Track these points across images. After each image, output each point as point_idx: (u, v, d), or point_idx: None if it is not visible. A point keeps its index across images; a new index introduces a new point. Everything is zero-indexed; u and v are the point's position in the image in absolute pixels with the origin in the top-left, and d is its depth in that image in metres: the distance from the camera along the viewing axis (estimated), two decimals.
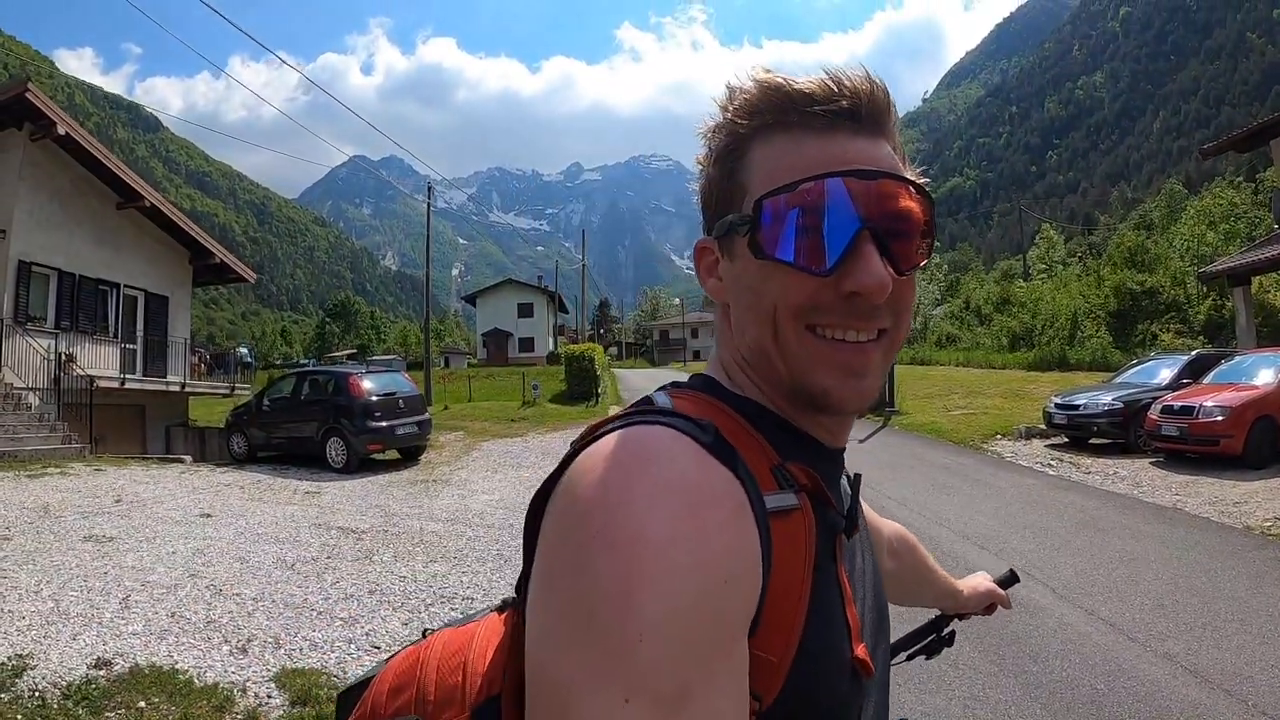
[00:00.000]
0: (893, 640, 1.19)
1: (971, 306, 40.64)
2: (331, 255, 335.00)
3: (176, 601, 5.47)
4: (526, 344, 64.03)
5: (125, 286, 18.56)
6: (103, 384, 15.74)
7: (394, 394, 14.22)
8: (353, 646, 4.79)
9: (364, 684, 0.85)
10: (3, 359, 14.77)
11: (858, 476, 0.81)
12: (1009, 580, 1.36)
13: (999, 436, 14.39)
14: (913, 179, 0.67)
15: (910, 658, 1.26)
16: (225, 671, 4.30)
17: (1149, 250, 32.83)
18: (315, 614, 5.37)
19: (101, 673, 4.18)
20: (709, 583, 0.51)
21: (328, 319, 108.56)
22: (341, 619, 5.30)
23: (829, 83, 0.65)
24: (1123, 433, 12.38)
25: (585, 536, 0.52)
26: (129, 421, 18.04)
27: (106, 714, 3.74)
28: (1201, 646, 4.41)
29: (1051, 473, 11.14)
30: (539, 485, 0.62)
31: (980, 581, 1.33)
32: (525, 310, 66.54)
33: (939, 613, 1.30)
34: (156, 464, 13.10)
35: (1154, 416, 11.37)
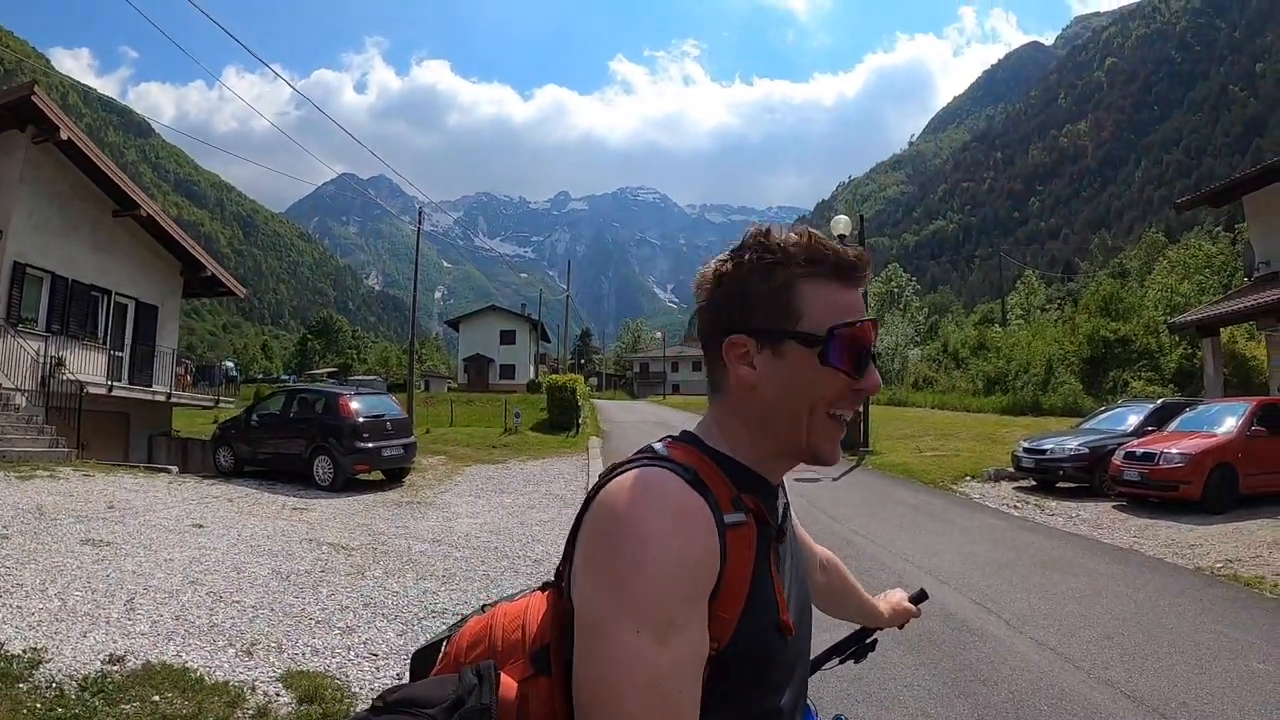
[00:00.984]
0: (825, 648, 1.59)
1: (949, 350, 41.30)
2: (316, 272, 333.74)
3: (179, 606, 5.72)
4: (508, 371, 64.34)
5: (117, 294, 18.71)
6: (90, 390, 15.87)
7: (382, 416, 14.49)
8: (352, 654, 5.06)
9: (435, 645, 1.16)
10: None
11: (788, 504, 1.17)
12: (920, 597, 1.72)
13: (968, 478, 14.81)
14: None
15: (841, 661, 1.62)
16: (233, 671, 4.56)
17: (1123, 299, 33.65)
18: (314, 622, 5.64)
19: (115, 668, 4.43)
20: (686, 563, 0.86)
21: (310, 336, 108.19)
22: (339, 628, 5.57)
23: (855, 258, 1.03)
24: (1088, 477, 12.83)
25: (615, 533, 0.88)
26: (113, 429, 18.13)
27: (122, 706, 3.98)
28: (1142, 675, 4.78)
29: (1016, 514, 11.55)
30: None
31: (898, 599, 1.69)
32: (508, 337, 66.93)
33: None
34: (144, 473, 13.25)
35: (1117, 462, 11.83)
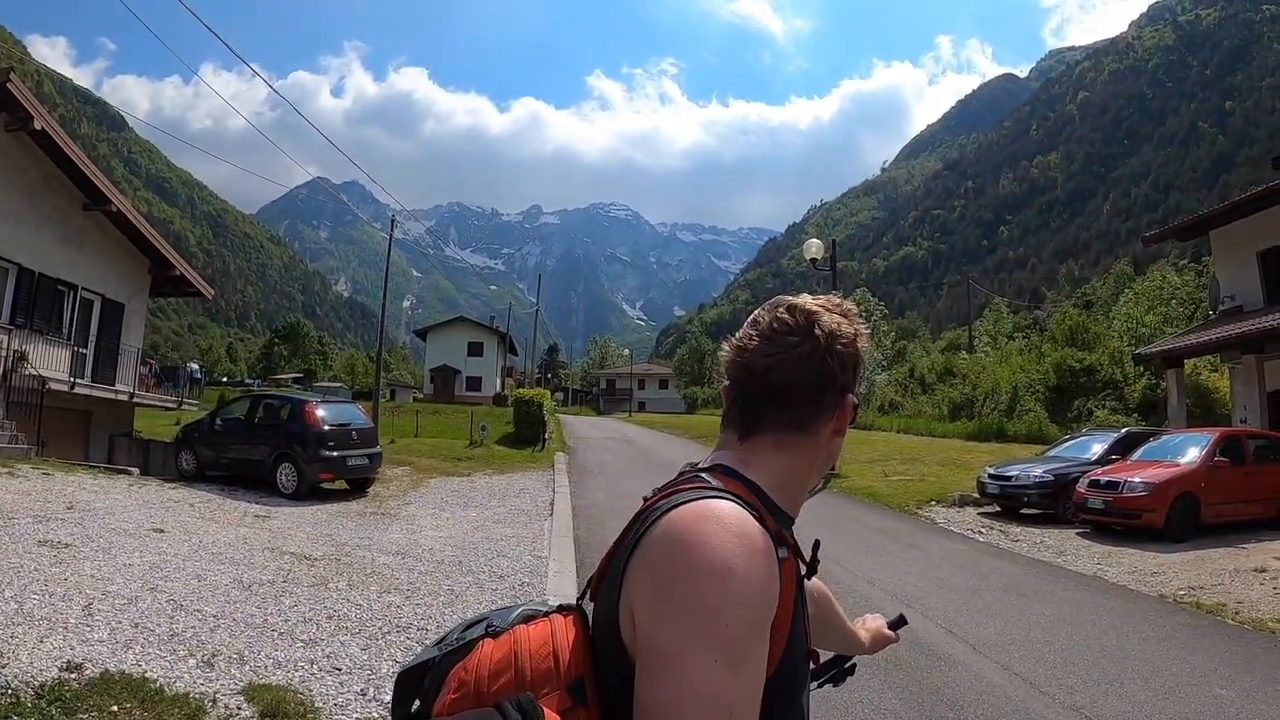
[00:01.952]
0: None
1: (916, 375, 41.66)
2: (284, 275, 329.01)
3: (139, 613, 5.58)
4: (474, 383, 63.84)
5: (84, 289, 18.31)
6: (52, 386, 15.52)
7: (348, 425, 14.33)
8: (315, 667, 4.96)
9: (422, 666, 1.08)
10: None
11: (817, 542, 1.20)
12: (899, 623, 1.77)
13: (934, 503, 14.93)
14: None
15: (821, 685, 1.61)
16: (193, 683, 4.45)
17: (1089, 329, 34.22)
18: (277, 634, 5.53)
19: (73, 675, 4.30)
20: (759, 595, 0.89)
21: (276, 340, 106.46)
22: (302, 640, 5.46)
23: None
24: (1052, 504, 13.02)
25: (691, 563, 0.90)
26: (73, 427, 17.71)
27: (79, 715, 3.87)
28: (1107, 700, 4.85)
29: (981, 539, 11.67)
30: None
31: (876, 626, 1.72)
32: (475, 349, 66.43)
33: None
34: (104, 474, 12.96)
35: (1082, 490, 12.02)
